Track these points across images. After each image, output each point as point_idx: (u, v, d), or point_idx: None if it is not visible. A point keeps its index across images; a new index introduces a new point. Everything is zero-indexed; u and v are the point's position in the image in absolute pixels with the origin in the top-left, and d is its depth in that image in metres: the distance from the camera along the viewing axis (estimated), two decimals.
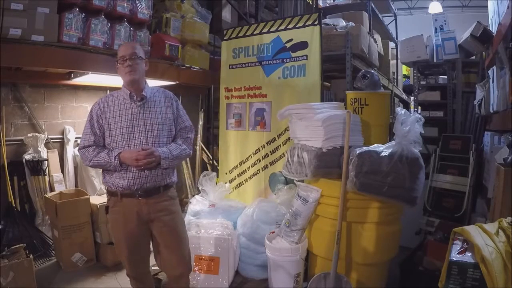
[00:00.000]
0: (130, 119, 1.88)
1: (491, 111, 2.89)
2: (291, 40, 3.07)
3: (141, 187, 1.84)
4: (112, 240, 2.07)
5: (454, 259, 1.33)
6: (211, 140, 4.61)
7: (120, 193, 1.86)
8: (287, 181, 2.95)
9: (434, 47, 4.91)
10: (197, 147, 4.70)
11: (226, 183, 3.37)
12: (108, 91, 4.02)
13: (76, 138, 3.71)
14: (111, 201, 1.92)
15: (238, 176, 3.44)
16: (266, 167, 3.24)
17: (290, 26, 3.08)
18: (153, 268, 2.73)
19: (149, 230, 1.94)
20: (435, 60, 4.92)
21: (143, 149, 1.81)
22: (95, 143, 1.90)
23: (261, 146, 3.25)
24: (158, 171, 1.87)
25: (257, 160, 3.29)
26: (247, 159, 3.36)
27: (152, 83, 3.95)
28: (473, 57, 4.78)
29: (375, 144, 2.27)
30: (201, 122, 4.74)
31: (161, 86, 4.10)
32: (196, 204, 3.01)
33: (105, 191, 3.63)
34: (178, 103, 2.08)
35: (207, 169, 4.29)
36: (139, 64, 1.91)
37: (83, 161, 1.96)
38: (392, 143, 2.16)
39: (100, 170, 3.66)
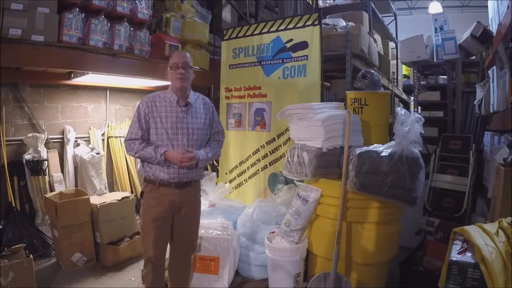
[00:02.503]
0: (175, 122, 2.10)
1: (491, 111, 2.89)
2: (291, 40, 3.07)
3: (178, 181, 2.09)
4: (139, 223, 2.24)
5: (454, 259, 1.33)
6: None
7: (158, 182, 2.08)
8: (287, 181, 2.95)
9: (434, 47, 4.90)
10: None
11: (226, 183, 3.37)
12: (108, 91, 4.02)
13: (76, 138, 3.71)
14: (147, 188, 2.14)
15: (238, 176, 3.44)
16: (265, 167, 3.24)
17: (290, 26, 3.08)
18: None
19: (172, 216, 2.15)
20: (435, 60, 4.92)
21: (187, 150, 2.05)
22: (141, 137, 2.10)
23: (261, 146, 3.25)
24: (193, 169, 2.12)
25: (256, 160, 3.29)
26: (246, 159, 3.36)
27: (152, 83, 3.98)
28: (473, 57, 4.78)
29: (375, 144, 2.27)
30: None
31: (161, 86, 4.12)
32: None
33: (105, 191, 3.67)
34: (214, 109, 2.32)
35: (207, 169, 4.29)
36: (190, 73, 2.15)
37: (127, 151, 2.19)
38: (392, 143, 2.16)
39: (100, 171, 3.71)
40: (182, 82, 2.10)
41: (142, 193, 2.18)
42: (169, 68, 2.14)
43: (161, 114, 2.09)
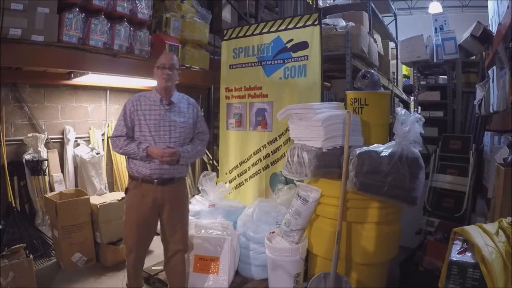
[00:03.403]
0: (158, 120, 2.18)
1: (491, 111, 2.89)
2: (291, 40, 3.07)
3: (160, 177, 2.15)
4: (123, 218, 2.29)
5: (454, 259, 1.33)
6: (211, 140, 4.60)
7: (141, 179, 2.16)
8: (287, 181, 2.95)
9: (434, 47, 4.90)
10: None
11: (226, 183, 3.37)
12: (108, 91, 4.02)
13: (76, 138, 3.71)
14: (131, 184, 2.22)
15: (238, 176, 3.44)
16: (267, 167, 3.24)
17: (290, 26, 3.08)
18: (153, 268, 2.75)
19: (158, 214, 2.23)
20: (435, 60, 4.92)
21: (168, 147, 2.13)
22: (126, 134, 2.20)
23: (262, 146, 3.25)
24: (175, 166, 2.18)
25: (258, 160, 3.29)
26: (247, 159, 3.36)
27: (152, 83, 3.97)
28: (473, 57, 4.78)
29: (375, 144, 2.27)
30: None
31: None
32: (196, 204, 3.02)
33: (105, 191, 3.67)
34: (198, 109, 2.39)
35: (207, 169, 4.30)
36: (175, 74, 2.24)
37: (112, 148, 2.29)
38: (392, 143, 2.16)
39: (100, 171, 3.71)
40: (167, 82, 2.19)
41: (126, 189, 2.26)
42: (156, 67, 2.23)
43: (145, 112, 2.18)
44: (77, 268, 2.98)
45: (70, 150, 3.61)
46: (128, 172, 2.27)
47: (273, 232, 2.52)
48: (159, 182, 2.15)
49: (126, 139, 2.19)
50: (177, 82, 2.29)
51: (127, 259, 2.29)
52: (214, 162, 4.12)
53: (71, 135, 3.63)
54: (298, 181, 2.49)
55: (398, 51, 5.31)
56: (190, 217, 2.89)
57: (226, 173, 3.52)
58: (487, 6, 3.49)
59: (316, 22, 2.93)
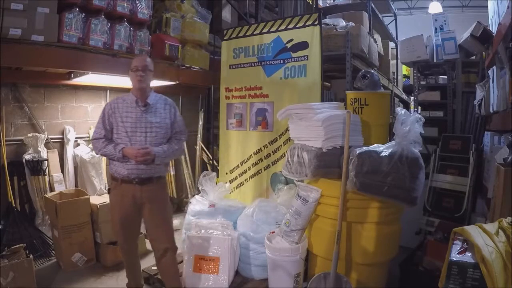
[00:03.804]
0: (134, 121, 2.24)
1: (491, 111, 2.89)
2: (291, 40, 3.06)
3: (138, 177, 2.22)
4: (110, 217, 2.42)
5: (454, 259, 1.33)
6: (211, 140, 4.61)
7: (121, 179, 2.24)
8: (287, 181, 2.95)
9: (434, 47, 4.91)
10: (197, 147, 4.71)
11: (226, 183, 3.37)
12: (108, 91, 4.02)
13: (76, 138, 3.71)
14: (112, 185, 2.31)
15: (239, 176, 3.44)
16: (268, 166, 3.23)
17: (290, 26, 3.07)
18: (153, 268, 2.75)
19: (140, 212, 2.31)
20: (435, 60, 4.92)
21: (142, 148, 2.17)
22: (104, 136, 2.27)
23: (263, 146, 3.25)
24: (152, 166, 2.24)
25: (258, 160, 3.29)
26: (247, 159, 3.36)
27: (152, 83, 3.97)
28: (473, 57, 4.78)
29: (375, 144, 2.26)
30: (201, 122, 4.74)
31: (161, 86, 4.12)
32: (196, 204, 3.01)
33: (105, 191, 3.68)
34: (176, 110, 2.43)
35: (207, 169, 4.30)
36: (148, 75, 2.29)
37: (93, 150, 2.38)
38: (392, 143, 2.16)
39: (100, 171, 3.71)
40: (141, 83, 2.24)
41: (109, 190, 2.37)
42: (130, 70, 2.28)
43: (122, 115, 2.25)
44: (77, 268, 2.98)
45: (70, 150, 3.61)
46: (110, 173, 2.35)
47: (273, 232, 2.52)
48: (138, 182, 2.22)
49: (104, 141, 2.26)
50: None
51: (121, 255, 2.45)
52: (214, 162, 4.12)
53: (71, 135, 3.63)
54: (298, 181, 2.48)
55: (398, 51, 5.32)
56: (190, 217, 2.92)
57: (226, 173, 3.52)
58: (487, 6, 3.49)
59: (316, 22, 2.93)
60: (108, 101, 2.35)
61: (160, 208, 2.32)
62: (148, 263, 2.93)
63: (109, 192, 2.36)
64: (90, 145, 3.78)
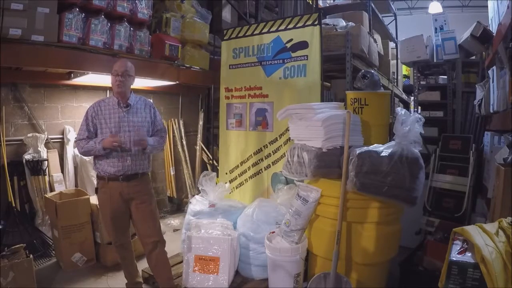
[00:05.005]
0: (118, 121, 2.36)
1: (491, 111, 2.89)
2: (291, 40, 3.06)
3: (124, 174, 2.34)
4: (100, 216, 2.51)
5: (454, 259, 1.33)
6: (211, 140, 4.61)
7: (107, 177, 2.34)
8: (287, 181, 2.95)
9: (434, 47, 4.91)
10: (197, 147, 4.71)
11: (226, 183, 3.37)
12: (108, 91, 4.02)
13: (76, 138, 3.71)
14: (99, 184, 2.41)
15: (239, 176, 3.44)
16: (268, 166, 3.23)
17: (290, 26, 3.07)
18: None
19: (128, 208, 2.41)
20: (435, 60, 4.92)
21: (137, 134, 2.33)
22: (87, 137, 2.37)
23: (264, 146, 3.25)
24: (137, 162, 2.38)
25: (258, 160, 3.29)
26: (247, 159, 3.36)
27: (152, 83, 3.98)
28: (473, 57, 4.78)
29: (375, 144, 2.27)
30: (201, 122, 4.74)
31: (161, 86, 4.12)
32: (196, 204, 3.02)
33: None
34: (155, 109, 2.57)
35: (207, 169, 4.30)
36: (127, 80, 2.38)
37: (78, 151, 2.47)
38: (392, 143, 2.16)
39: None
40: (119, 88, 2.34)
41: (96, 189, 2.45)
42: (111, 73, 2.37)
43: (105, 116, 2.36)
44: (77, 268, 2.98)
45: (70, 150, 3.61)
46: (96, 172, 2.44)
47: (273, 232, 2.52)
48: (124, 178, 2.33)
49: (87, 141, 2.36)
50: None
51: (116, 252, 2.55)
52: (214, 162, 4.12)
53: (71, 135, 3.63)
54: (298, 181, 2.48)
55: (398, 51, 5.31)
56: (190, 217, 2.93)
57: (226, 173, 3.52)
58: (487, 6, 3.49)
59: (316, 22, 2.93)
60: (91, 105, 2.43)
61: (147, 201, 2.42)
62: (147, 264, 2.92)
63: (96, 192, 2.45)
64: None
